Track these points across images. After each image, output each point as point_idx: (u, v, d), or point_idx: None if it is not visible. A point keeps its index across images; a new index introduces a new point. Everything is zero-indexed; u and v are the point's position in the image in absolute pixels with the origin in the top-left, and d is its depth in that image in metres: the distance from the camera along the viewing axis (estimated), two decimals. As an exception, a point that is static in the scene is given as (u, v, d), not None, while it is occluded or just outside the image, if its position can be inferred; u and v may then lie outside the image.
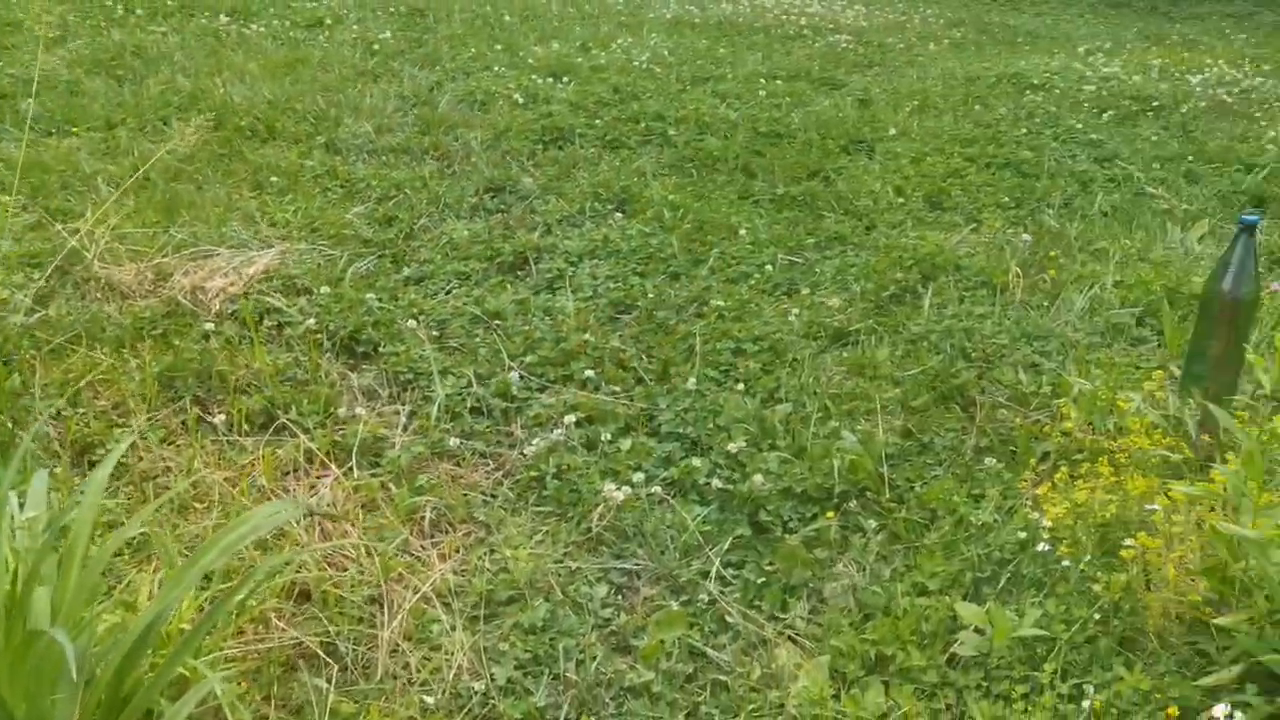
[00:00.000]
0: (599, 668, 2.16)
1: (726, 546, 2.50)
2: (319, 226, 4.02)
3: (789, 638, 2.27)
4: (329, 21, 7.37)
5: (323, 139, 4.99)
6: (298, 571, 2.29)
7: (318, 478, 2.65)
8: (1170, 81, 7.21)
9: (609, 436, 2.85)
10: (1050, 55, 8.16)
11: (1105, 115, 6.20)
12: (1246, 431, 2.12)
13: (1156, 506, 2.33)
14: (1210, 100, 6.79)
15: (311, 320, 3.29)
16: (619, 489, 2.62)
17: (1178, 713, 1.95)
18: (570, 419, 2.90)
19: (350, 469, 2.70)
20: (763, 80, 6.66)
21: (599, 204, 4.43)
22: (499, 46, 7.02)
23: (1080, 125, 5.86)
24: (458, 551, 2.47)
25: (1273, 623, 1.96)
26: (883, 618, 2.26)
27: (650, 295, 3.64)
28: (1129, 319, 3.60)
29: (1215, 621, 2.00)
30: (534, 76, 6.21)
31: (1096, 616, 2.19)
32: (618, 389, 3.09)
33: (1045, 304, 3.72)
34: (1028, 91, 6.74)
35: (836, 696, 2.08)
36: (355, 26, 7.28)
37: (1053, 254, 4.07)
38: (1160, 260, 4.08)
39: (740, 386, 3.10)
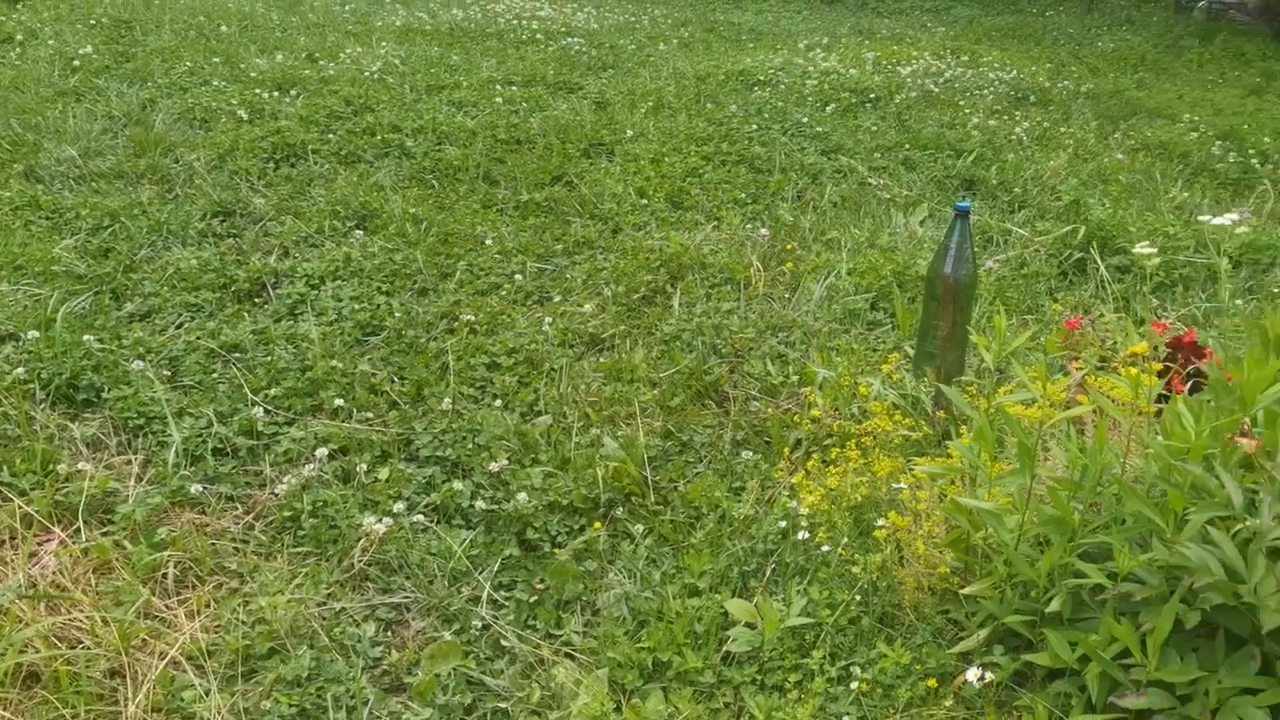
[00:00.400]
0: (372, 712, 2.06)
1: (496, 568, 2.44)
2: (22, 264, 3.66)
3: (566, 655, 2.25)
4: (20, 37, 6.77)
5: (20, 167, 4.57)
6: (22, 653, 2.07)
7: (38, 544, 2.41)
8: (884, 74, 7.67)
9: (365, 466, 2.73)
10: (774, 51, 8.50)
11: (829, 108, 6.52)
12: (975, 407, 2.26)
13: (903, 485, 2.45)
14: (920, 91, 7.26)
15: (20, 369, 2.99)
16: (380, 521, 2.51)
17: (936, 684, 2.06)
18: (322, 452, 2.76)
19: (77, 530, 2.47)
20: (499, 86, 6.62)
21: (338, 222, 4.26)
22: (217, 59, 6.64)
23: (806, 119, 6.14)
24: (208, 607, 2.30)
25: (1012, 586, 2.09)
26: (657, 623, 2.27)
27: (398, 314, 3.53)
28: (864, 304, 3.78)
29: (964, 591, 2.11)
30: (258, 90, 5.92)
31: (858, 598, 2.27)
32: (371, 416, 2.98)
33: (786, 295, 3.86)
34: (755, 88, 7.00)
35: (618, 709, 2.07)
36: (52, 41, 6.72)
37: (789, 246, 4.23)
38: (887, 246, 4.32)
39: (498, 402, 3.05)
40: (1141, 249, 2.30)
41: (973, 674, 2.00)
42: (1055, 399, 2.18)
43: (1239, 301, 3.95)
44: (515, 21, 9.27)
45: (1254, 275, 4.30)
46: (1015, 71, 8.18)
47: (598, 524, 2.57)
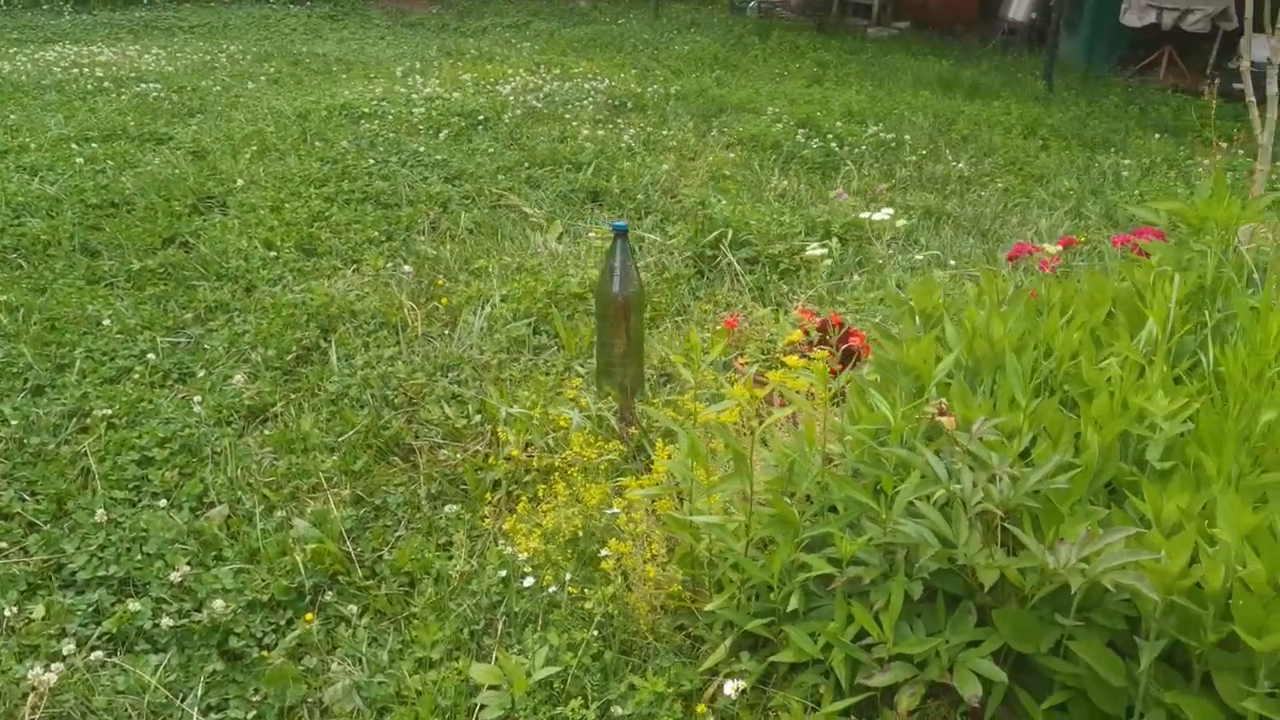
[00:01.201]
0: None
1: (201, 691, 2.18)
2: None
3: (304, 768, 2.05)
4: None
5: None
6: None
7: None
8: (486, 95, 7.70)
9: (14, 607, 2.35)
10: (370, 81, 8.30)
11: (442, 134, 6.45)
12: (680, 422, 2.29)
13: (616, 510, 2.45)
14: (524, 108, 7.36)
15: None
16: (48, 668, 2.17)
17: (689, 703, 2.07)
18: (-45, 601, 2.35)
19: None
20: (75, 145, 5.98)
21: (-90, 324, 3.66)
22: None
23: (423, 148, 6.04)
24: None
25: (747, 592, 2.14)
26: (399, 707, 2.12)
27: (14, 421, 3.08)
28: (525, 330, 3.76)
29: (707, 607, 2.14)
30: None
31: (595, 633, 2.24)
32: (5, 545, 2.57)
33: (447, 332, 3.76)
34: (362, 121, 6.80)
35: (377, 814, 1.92)
36: None
37: (439, 280, 4.14)
38: (534, 267, 4.33)
39: (161, 501, 2.74)
40: (813, 251, 2.44)
41: (730, 687, 2.03)
42: (752, 401, 2.26)
43: (856, 276, 4.32)
44: (74, 70, 8.43)
45: (859, 250, 4.72)
46: (607, 80, 8.51)
47: (308, 615, 2.36)
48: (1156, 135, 7.80)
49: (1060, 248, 3.27)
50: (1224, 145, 6.01)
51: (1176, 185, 6.33)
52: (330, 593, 2.47)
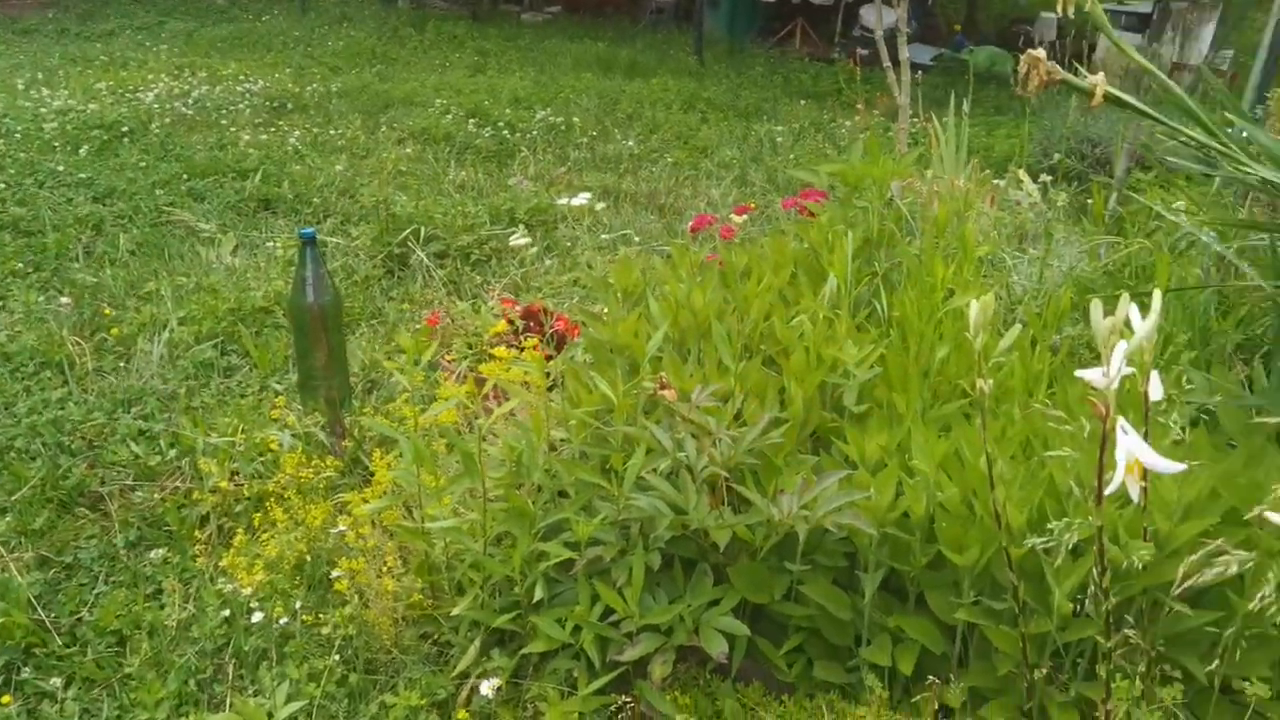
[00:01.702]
0: None
1: (-116, 806, 1.91)
2: None
3: None
4: None
5: None
6: None
7: None
8: (127, 104, 7.12)
9: None
10: (-13, 96, 7.47)
11: (82, 150, 5.91)
12: (398, 429, 2.23)
13: (342, 529, 2.35)
14: (174, 115, 6.88)
15: None
16: None
17: (444, 709, 2.03)
18: None
19: None
20: None
21: None
22: None
23: (62, 166, 5.50)
24: None
25: (492, 590, 2.12)
26: (128, 780, 1.95)
27: None
28: (213, 352, 3.53)
29: (451, 612, 2.10)
30: None
31: (337, 658, 2.15)
32: None
33: (122, 365, 3.46)
34: (-16, 141, 6.11)
35: None
36: None
37: (105, 310, 3.80)
38: (212, 284, 4.06)
39: None
40: (517, 240, 2.43)
41: (485, 687, 2.01)
42: (471, 398, 2.24)
43: (548, 261, 4.36)
44: None
45: (547, 234, 4.77)
46: (261, 81, 8.10)
47: (4, 698, 2.12)
48: (802, 101, 8.37)
49: (736, 215, 3.45)
50: (863, 107, 6.54)
51: (826, 147, 6.82)
52: (26, 668, 2.22)
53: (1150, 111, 1.96)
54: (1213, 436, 2.08)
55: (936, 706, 1.87)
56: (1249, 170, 1.91)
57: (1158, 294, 1.43)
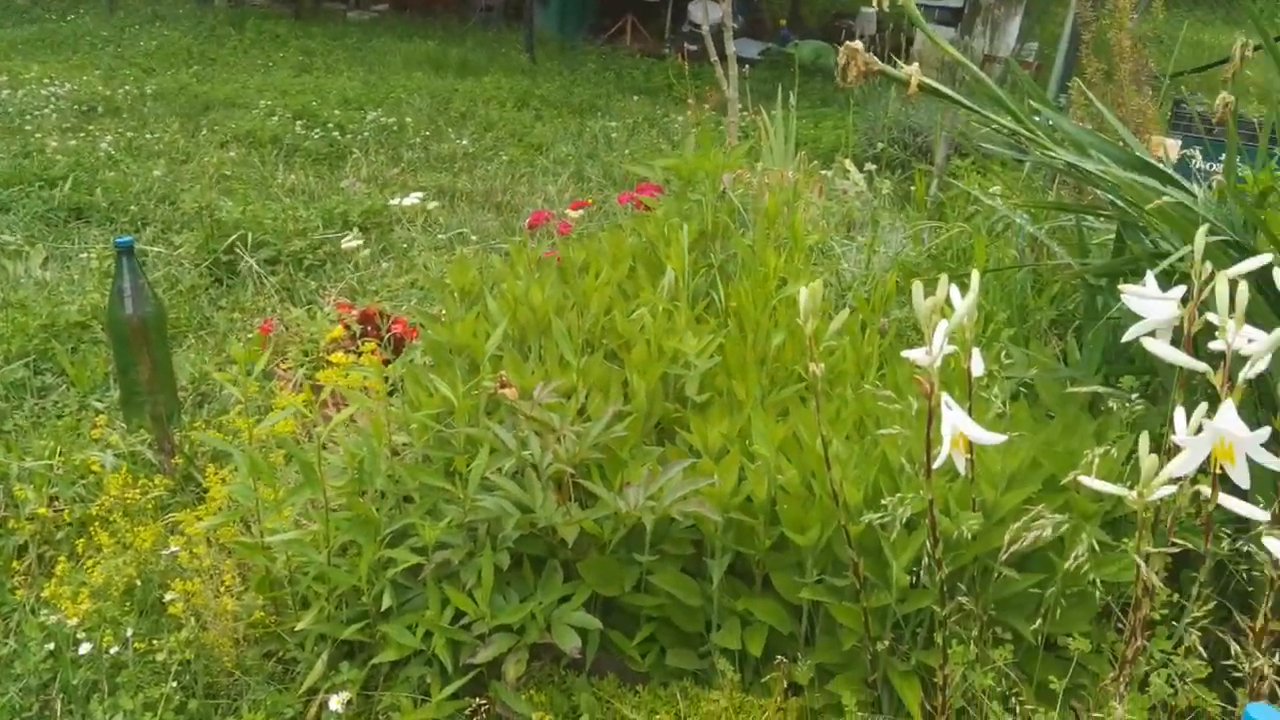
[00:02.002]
0: None
1: None
2: None
3: None
4: None
5: None
6: None
7: None
8: (-83, 110, 6.65)
9: None
10: None
11: None
12: (231, 442, 2.15)
13: (175, 550, 2.25)
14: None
15: None
16: None
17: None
18: None
19: None
20: None
21: None
22: None
23: None
24: None
25: (338, 602, 2.07)
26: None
27: None
28: (24, 371, 3.33)
29: (296, 627, 2.03)
30: None
31: (174, 684, 2.06)
32: None
33: (-77, 389, 3.23)
34: None
35: None
36: None
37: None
38: (20, 300, 3.83)
39: None
40: (349, 243, 2.37)
41: (334, 701, 1.96)
42: (309, 406, 2.17)
43: (385, 264, 4.27)
44: None
45: (383, 236, 4.68)
46: (68, 84, 7.67)
47: None
48: (634, 97, 8.44)
49: (572, 210, 3.45)
50: (694, 102, 6.64)
51: (660, 142, 6.90)
52: None
53: (963, 101, 2.05)
54: (1032, 408, 2.20)
55: (786, 685, 1.91)
56: (1055, 155, 2.02)
57: (975, 275, 1.50)
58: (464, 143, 6.60)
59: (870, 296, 2.68)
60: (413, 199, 3.21)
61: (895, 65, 2.05)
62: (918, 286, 1.32)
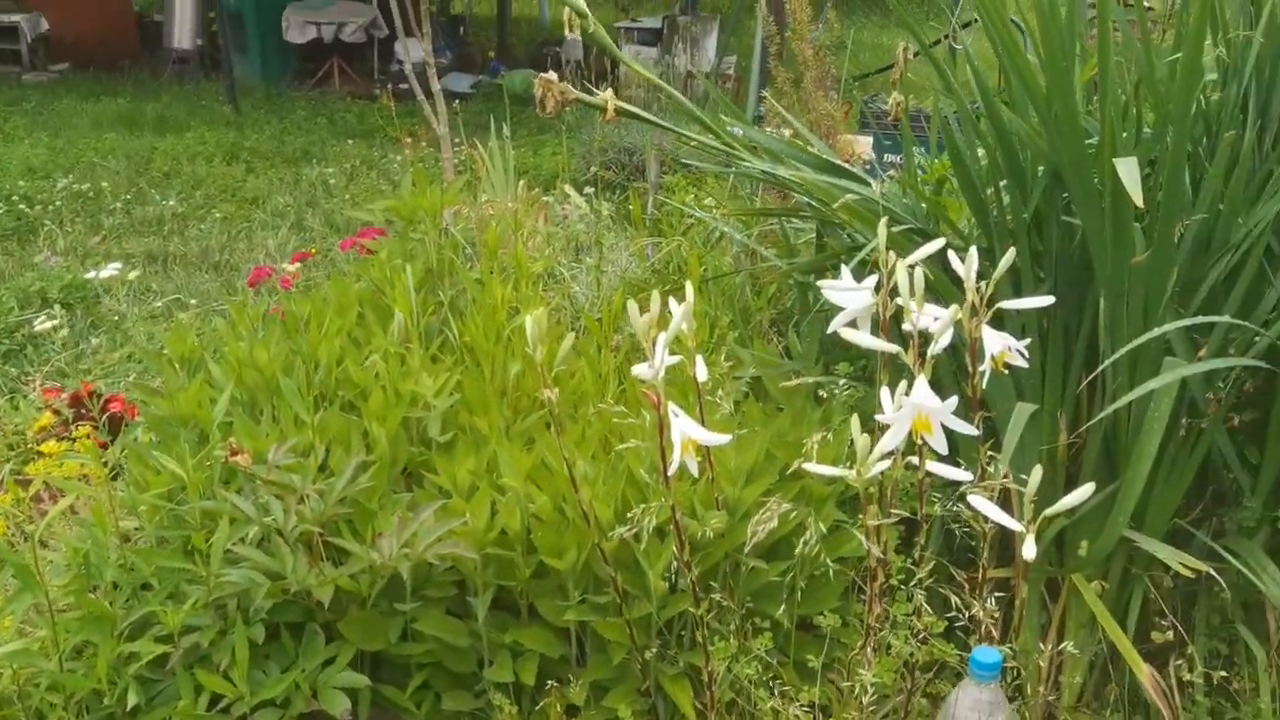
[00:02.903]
0: None
1: None
2: None
3: None
4: None
5: None
6: None
7: None
8: None
9: None
10: None
11: None
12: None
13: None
14: None
15: None
16: None
17: None
18: None
19: None
20: None
21: None
22: None
23: None
24: None
25: (75, 711, 1.92)
26: None
27: None
28: None
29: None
30: None
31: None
32: None
33: None
34: None
35: None
36: None
37: None
38: None
39: None
40: (41, 325, 2.20)
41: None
42: (19, 504, 2.01)
43: (95, 340, 4.00)
44: None
45: (89, 311, 4.38)
46: None
47: None
48: (349, 141, 8.28)
49: (296, 264, 3.35)
50: (410, 140, 6.59)
51: (380, 184, 6.80)
52: None
53: (657, 120, 2.15)
54: (763, 404, 2.32)
55: (563, 708, 1.93)
56: (750, 165, 2.14)
57: (689, 287, 1.57)
58: (171, 203, 6.28)
59: (601, 317, 2.75)
60: (110, 270, 3.02)
61: (603, 88, 2.12)
62: (633, 306, 1.37)
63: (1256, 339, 1.96)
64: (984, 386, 1.59)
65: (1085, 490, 1.28)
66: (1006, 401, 2.02)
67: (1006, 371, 1.50)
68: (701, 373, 1.64)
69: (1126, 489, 1.99)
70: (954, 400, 1.28)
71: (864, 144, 6.47)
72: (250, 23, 11.04)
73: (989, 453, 1.80)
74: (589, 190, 4.24)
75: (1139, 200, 1.55)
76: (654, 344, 1.38)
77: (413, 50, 6.76)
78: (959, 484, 1.60)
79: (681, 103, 2.23)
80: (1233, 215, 1.99)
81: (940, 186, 2.51)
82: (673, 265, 3.01)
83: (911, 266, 1.44)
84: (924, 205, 2.15)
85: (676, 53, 9.99)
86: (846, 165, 2.20)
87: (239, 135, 8.32)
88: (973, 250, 1.48)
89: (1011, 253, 1.49)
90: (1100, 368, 1.96)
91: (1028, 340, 1.47)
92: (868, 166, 6.23)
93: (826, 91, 3.81)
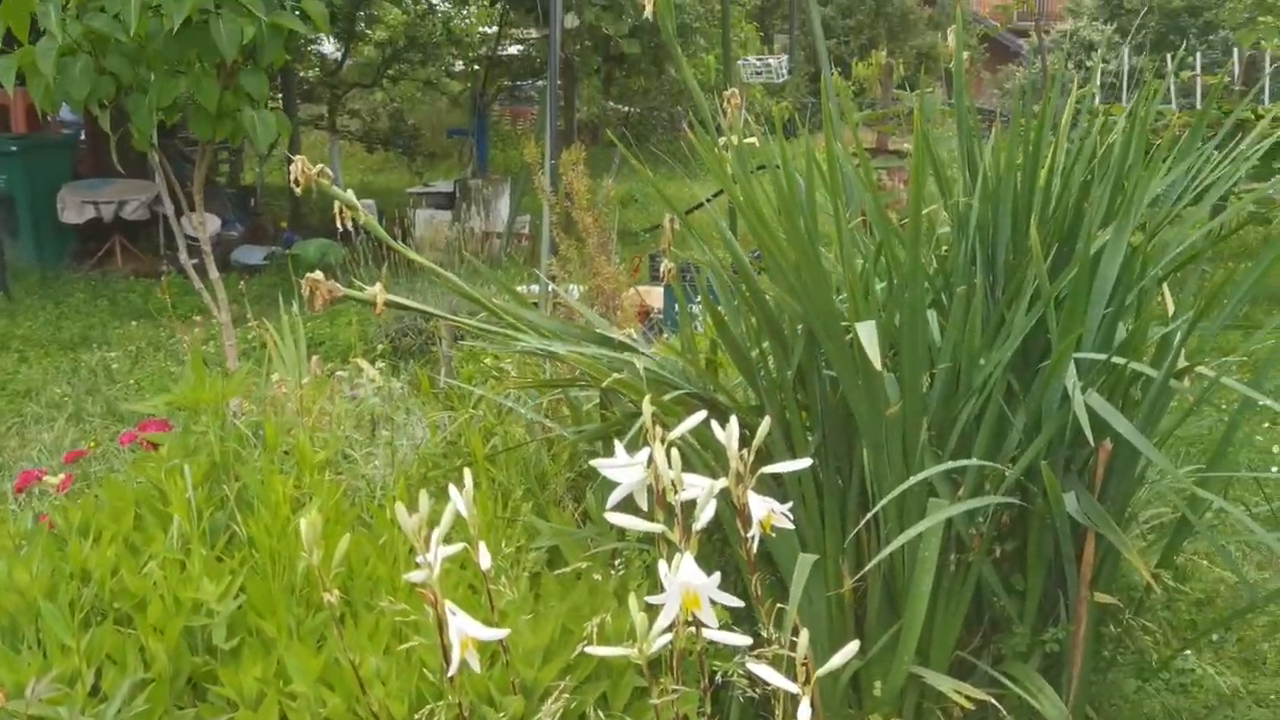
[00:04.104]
0: None
1: None
2: None
3: None
4: None
5: None
6: None
7: None
8: None
9: None
10: None
11: None
12: None
13: None
14: None
15: None
16: None
17: None
18: None
19: None
20: None
21: None
22: None
23: None
24: None
25: None
26: None
27: None
28: None
29: None
30: None
31: None
32: None
33: None
34: None
35: None
36: None
37: None
38: None
39: None
40: None
41: None
42: None
43: None
44: None
45: None
46: None
47: None
48: (134, 322, 7.99)
49: (67, 462, 3.19)
50: (200, 319, 6.42)
51: (169, 365, 6.57)
52: None
53: (425, 308, 2.19)
54: (562, 575, 2.32)
55: None
56: (526, 343, 2.20)
57: (468, 474, 1.59)
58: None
59: (383, 503, 2.73)
60: None
61: (396, 256, 2.15)
62: (400, 508, 1.37)
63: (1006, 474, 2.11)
64: (769, 543, 1.65)
65: (851, 648, 1.34)
66: (791, 555, 2.10)
67: (774, 534, 1.56)
68: (485, 560, 1.64)
69: (908, 627, 2.09)
70: (717, 576, 1.33)
71: (656, 295, 6.70)
72: (22, 205, 10.61)
73: (777, 606, 1.86)
74: (380, 364, 4.22)
75: (878, 363, 1.67)
76: (426, 543, 1.38)
77: (202, 224, 6.65)
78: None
79: (458, 287, 2.29)
80: (973, 361, 2.17)
81: (715, 349, 2.63)
82: (465, 438, 3.01)
83: (673, 441, 1.50)
84: (694, 370, 2.25)
85: (471, 215, 10.19)
86: (619, 336, 2.29)
87: (10, 323, 7.90)
88: (733, 419, 1.55)
89: (767, 423, 1.57)
90: (868, 515, 2.07)
91: (790, 504, 1.55)
92: (659, 316, 6.42)
93: (608, 255, 3.96)
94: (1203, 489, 2.37)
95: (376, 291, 1.98)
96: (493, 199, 10.55)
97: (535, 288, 5.82)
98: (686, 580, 1.31)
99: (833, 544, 2.24)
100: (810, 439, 2.29)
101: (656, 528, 1.44)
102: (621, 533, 2.50)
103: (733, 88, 2.73)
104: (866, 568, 2.06)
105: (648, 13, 2.21)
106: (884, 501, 2.00)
